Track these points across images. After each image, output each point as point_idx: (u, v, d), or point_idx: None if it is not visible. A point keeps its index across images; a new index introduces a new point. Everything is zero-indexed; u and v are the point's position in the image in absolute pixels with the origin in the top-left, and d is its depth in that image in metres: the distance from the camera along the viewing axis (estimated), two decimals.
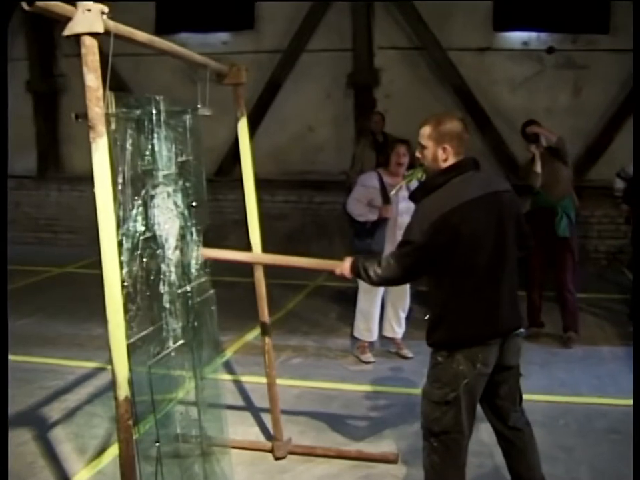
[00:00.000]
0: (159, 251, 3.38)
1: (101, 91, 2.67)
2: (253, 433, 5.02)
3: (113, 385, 2.75)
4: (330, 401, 5.60)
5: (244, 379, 6.01)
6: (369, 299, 6.50)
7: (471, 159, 3.51)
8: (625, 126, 10.64)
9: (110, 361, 2.76)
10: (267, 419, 5.03)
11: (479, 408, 3.56)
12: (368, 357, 6.62)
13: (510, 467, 3.76)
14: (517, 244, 3.54)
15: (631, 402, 5.34)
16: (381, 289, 6.42)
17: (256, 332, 6.97)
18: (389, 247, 6.18)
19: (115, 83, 10.69)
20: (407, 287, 6.56)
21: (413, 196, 3.60)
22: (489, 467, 4.41)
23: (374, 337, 6.66)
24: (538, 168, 6.75)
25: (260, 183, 12.14)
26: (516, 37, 10.90)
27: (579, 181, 9.42)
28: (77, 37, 2.64)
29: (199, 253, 3.70)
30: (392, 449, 4.72)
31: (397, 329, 6.68)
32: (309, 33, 11.31)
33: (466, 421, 3.39)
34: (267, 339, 4.60)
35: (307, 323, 7.79)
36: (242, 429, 5.03)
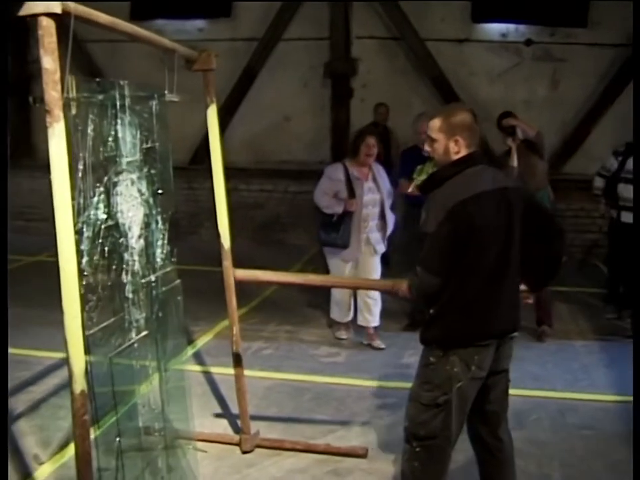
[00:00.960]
0: (121, 240, 3.29)
1: (58, 74, 2.56)
2: (221, 426, 4.95)
3: (69, 378, 2.66)
4: (300, 393, 5.53)
5: (214, 370, 5.92)
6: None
7: (481, 152, 3.41)
8: (602, 119, 10.66)
9: (66, 354, 2.67)
10: (236, 411, 4.94)
11: None
12: (341, 333, 6.82)
13: (483, 478, 3.64)
14: (541, 239, 3.42)
15: (604, 397, 5.42)
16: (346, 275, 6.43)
17: (226, 323, 6.97)
18: (355, 239, 6.31)
19: (89, 69, 10.55)
20: (375, 273, 6.54)
21: (423, 187, 3.50)
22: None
23: (344, 319, 6.81)
24: (514, 161, 6.68)
25: (235, 172, 12.12)
26: (494, 29, 10.86)
27: (556, 173, 9.40)
28: (34, 18, 2.53)
29: (165, 242, 3.61)
30: (361, 443, 4.65)
31: (368, 317, 6.66)
32: (286, 21, 11.21)
33: (454, 427, 3.28)
34: (235, 329, 4.50)
35: (281, 313, 7.70)
36: (210, 421, 4.97)
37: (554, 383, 5.72)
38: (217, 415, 5.12)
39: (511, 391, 5.27)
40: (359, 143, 6.37)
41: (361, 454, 4.51)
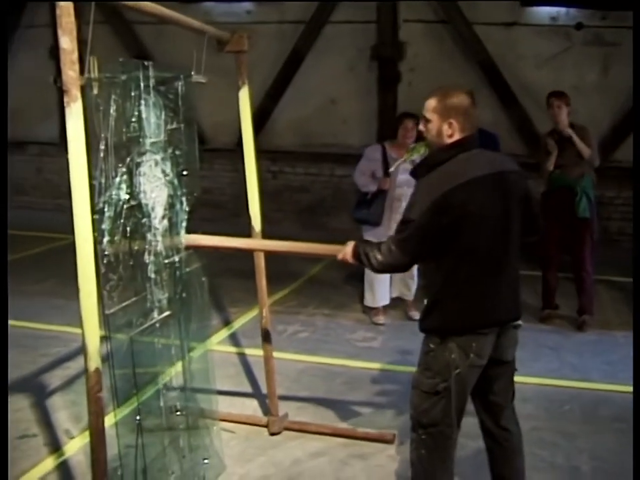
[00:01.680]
0: (144, 220, 3.31)
1: (76, 54, 2.59)
2: (250, 407, 4.98)
3: (83, 355, 2.69)
4: (333, 377, 5.53)
5: (248, 351, 5.96)
6: None
7: (476, 136, 3.30)
8: None
9: (81, 331, 2.70)
10: (266, 393, 4.98)
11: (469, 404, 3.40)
12: (379, 318, 6.89)
13: (492, 467, 3.58)
14: (525, 227, 3.35)
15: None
16: None
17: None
18: (387, 217, 6.45)
19: (137, 50, 10.67)
20: None
21: (414, 172, 3.44)
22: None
23: (380, 303, 6.87)
24: (550, 166, 6.59)
25: (282, 155, 12.17)
26: (544, 12, 10.61)
27: (606, 161, 9.19)
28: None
29: (189, 225, 3.63)
30: (390, 429, 4.63)
31: (405, 292, 6.94)
32: (332, 4, 11.11)
33: (455, 414, 3.23)
34: (265, 312, 4.51)
35: (321, 296, 7.72)
36: (241, 402, 5.00)
37: (590, 374, 5.61)
38: (248, 396, 5.15)
39: (548, 380, 5.32)
40: (398, 125, 6.54)
41: (388, 439, 4.49)
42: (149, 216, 3.35)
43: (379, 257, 3.21)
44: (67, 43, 2.56)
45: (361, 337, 6.53)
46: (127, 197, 3.14)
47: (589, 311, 6.77)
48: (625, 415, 4.78)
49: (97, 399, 2.67)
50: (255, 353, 5.82)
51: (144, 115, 3.28)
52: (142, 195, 3.28)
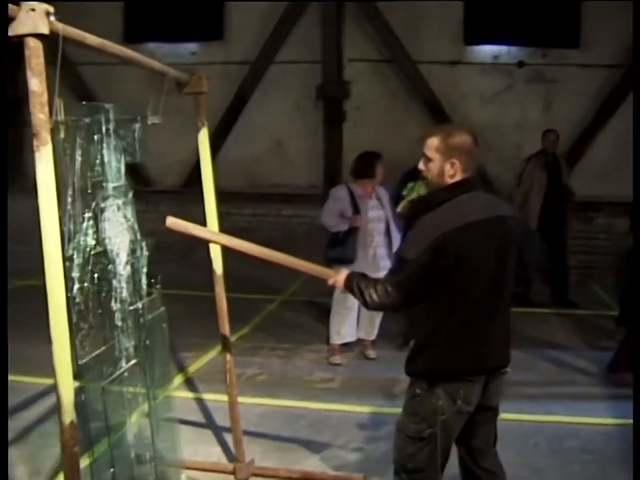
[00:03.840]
0: (110, 266, 3.23)
1: (45, 97, 2.51)
2: (215, 454, 4.85)
3: (58, 408, 2.58)
4: (296, 420, 5.43)
5: (207, 397, 5.83)
6: (344, 304, 6.68)
7: (477, 177, 3.27)
8: (595, 141, 10.65)
9: (55, 385, 2.59)
10: (229, 439, 4.86)
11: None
12: (335, 358, 6.83)
13: None
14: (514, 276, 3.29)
15: (604, 421, 5.32)
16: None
17: (218, 348, 6.87)
18: (361, 254, 6.49)
19: (81, 92, 10.49)
20: None
21: (414, 210, 3.39)
22: None
23: (345, 339, 6.89)
24: None
25: (228, 196, 12.08)
26: (487, 51, 10.87)
27: None
28: (20, 39, 2.48)
29: (149, 269, 3.53)
30: (358, 471, 4.56)
31: (370, 331, 6.97)
32: (278, 44, 11.21)
33: (441, 459, 3.18)
34: (228, 356, 4.42)
35: (274, 339, 7.61)
36: (204, 449, 4.87)
37: (551, 407, 5.63)
38: (210, 443, 5.02)
39: (511, 415, 5.30)
40: (375, 164, 6.63)
41: None
42: (114, 262, 3.26)
43: (375, 297, 3.14)
44: (37, 84, 2.48)
45: (319, 377, 6.45)
46: (94, 242, 3.06)
47: None
48: (591, 446, 4.82)
49: (72, 454, 2.55)
50: (213, 398, 5.74)
51: (106, 159, 3.22)
52: (107, 241, 3.21)
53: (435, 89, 10.87)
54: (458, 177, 3.17)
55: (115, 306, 3.24)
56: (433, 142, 3.19)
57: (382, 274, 6.46)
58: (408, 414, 3.23)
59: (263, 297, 9.21)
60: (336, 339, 6.87)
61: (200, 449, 4.80)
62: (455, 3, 10.74)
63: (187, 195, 10.66)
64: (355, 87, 11.24)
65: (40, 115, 2.50)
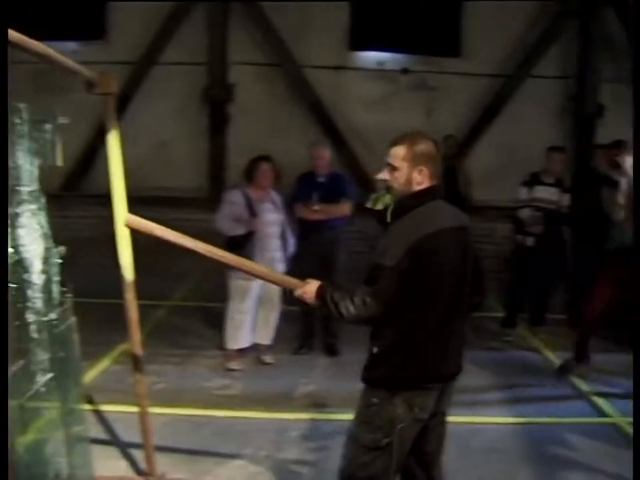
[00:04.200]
0: (25, 275, 3.05)
1: None
2: (121, 468, 4.67)
3: None
4: (200, 429, 5.33)
5: (105, 407, 5.61)
6: (239, 308, 6.62)
7: (441, 185, 3.26)
8: (476, 147, 10.97)
9: None
10: (134, 451, 4.72)
11: None
12: (233, 364, 6.75)
13: None
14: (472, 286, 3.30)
15: (507, 420, 5.46)
16: (253, 298, 6.59)
17: (112, 357, 6.76)
18: (259, 256, 6.36)
19: None
20: (278, 295, 6.69)
21: (384, 217, 3.33)
22: None
23: (241, 345, 6.76)
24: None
25: (110, 199, 11.65)
26: (371, 57, 11.03)
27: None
28: None
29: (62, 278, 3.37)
30: (269, 478, 4.53)
31: (265, 336, 6.90)
32: (162, 45, 11.00)
33: (395, 469, 3.17)
34: (138, 366, 4.28)
35: (167, 345, 7.42)
36: (110, 463, 4.68)
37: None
38: (116, 456, 4.84)
39: None
40: (254, 169, 6.60)
41: None
42: (28, 271, 3.08)
43: (352, 309, 3.06)
44: None
45: (218, 384, 6.36)
46: (12, 250, 2.88)
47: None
48: (497, 445, 4.92)
49: None
50: (112, 408, 5.54)
51: (20, 162, 3.04)
52: (22, 249, 3.03)
53: (319, 93, 10.95)
54: (426, 184, 3.18)
55: (31, 317, 3.06)
56: (399, 151, 3.18)
57: None
58: (361, 422, 3.20)
59: (150, 302, 8.98)
60: (232, 344, 6.77)
61: (106, 463, 4.61)
62: (341, 9, 10.84)
63: (67, 199, 10.28)
64: (240, 90, 11.17)
65: None
